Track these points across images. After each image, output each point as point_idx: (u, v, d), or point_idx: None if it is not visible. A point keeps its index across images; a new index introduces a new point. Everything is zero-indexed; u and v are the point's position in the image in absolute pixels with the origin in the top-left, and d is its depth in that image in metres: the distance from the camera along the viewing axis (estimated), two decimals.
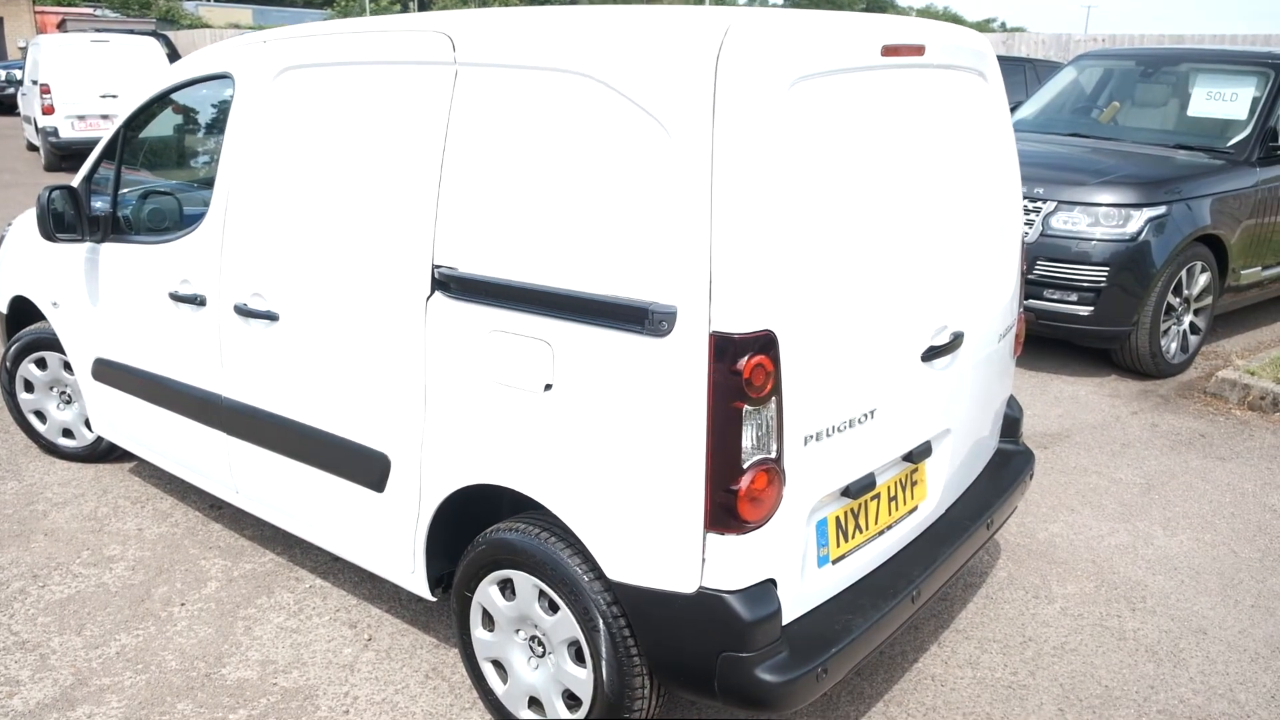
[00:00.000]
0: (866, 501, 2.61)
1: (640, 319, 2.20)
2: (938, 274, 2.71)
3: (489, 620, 2.76)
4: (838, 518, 2.51)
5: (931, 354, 2.65)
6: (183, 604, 3.43)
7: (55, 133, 13.96)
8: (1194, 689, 3.10)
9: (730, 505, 2.18)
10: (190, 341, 3.40)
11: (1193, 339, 6.14)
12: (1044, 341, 6.38)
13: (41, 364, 4.37)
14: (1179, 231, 5.74)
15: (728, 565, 2.24)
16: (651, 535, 2.29)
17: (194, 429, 3.52)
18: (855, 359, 2.40)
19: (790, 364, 2.20)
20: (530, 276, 2.41)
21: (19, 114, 17.86)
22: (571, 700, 2.61)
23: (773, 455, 2.21)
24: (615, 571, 2.37)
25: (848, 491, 2.48)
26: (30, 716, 2.86)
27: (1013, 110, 7.47)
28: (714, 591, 2.25)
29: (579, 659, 2.56)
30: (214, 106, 3.39)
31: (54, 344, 4.25)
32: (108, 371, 3.89)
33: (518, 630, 2.70)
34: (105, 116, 14.08)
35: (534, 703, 2.71)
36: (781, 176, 2.17)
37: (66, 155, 14.05)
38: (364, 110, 2.80)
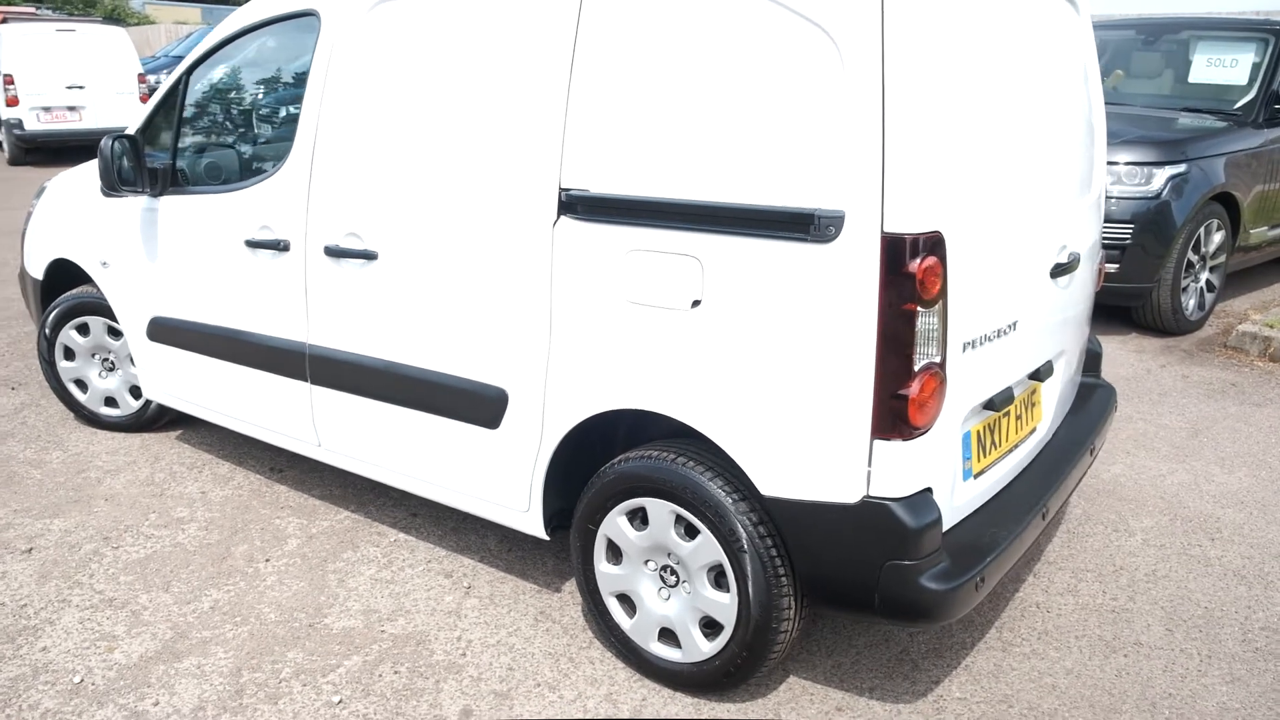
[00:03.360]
0: (1000, 418, 2.62)
1: (805, 225, 2.18)
2: (1059, 193, 2.73)
3: (614, 553, 2.72)
4: (978, 432, 2.52)
5: (1058, 271, 2.67)
6: (267, 560, 3.34)
7: (20, 125, 13.52)
8: None
9: (900, 410, 2.17)
10: (268, 290, 3.31)
11: (1208, 296, 6.27)
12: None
13: (83, 330, 4.22)
14: (1197, 190, 5.85)
15: (892, 473, 2.23)
16: (815, 446, 2.27)
17: (269, 382, 3.42)
18: (1004, 268, 2.41)
19: (957, 268, 2.20)
20: (677, 192, 2.38)
21: None
22: (709, 628, 2.59)
23: (939, 360, 2.21)
24: (771, 487, 2.35)
25: (990, 404, 2.49)
26: (136, 669, 2.76)
27: None
28: (879, 500, 2.24)
29: (719, 584, 2.53)
30: (292, 47, 3.29)
31: (98, 308, 4.12)
32: (165, 330, 3.77)
33: (647, 561, 2.66)
34: (72, 108, 13.68)
35: (665, 634, 2.68)
36: (944, 80, 2.17)
37: (31, 149, 13.63)
38: (478, 31, 2.74)
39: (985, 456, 2.56)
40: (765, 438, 2.33)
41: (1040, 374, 2.72)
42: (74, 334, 4.24)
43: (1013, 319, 2.47)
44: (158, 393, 3.98)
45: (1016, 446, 2.74)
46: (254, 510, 3.69)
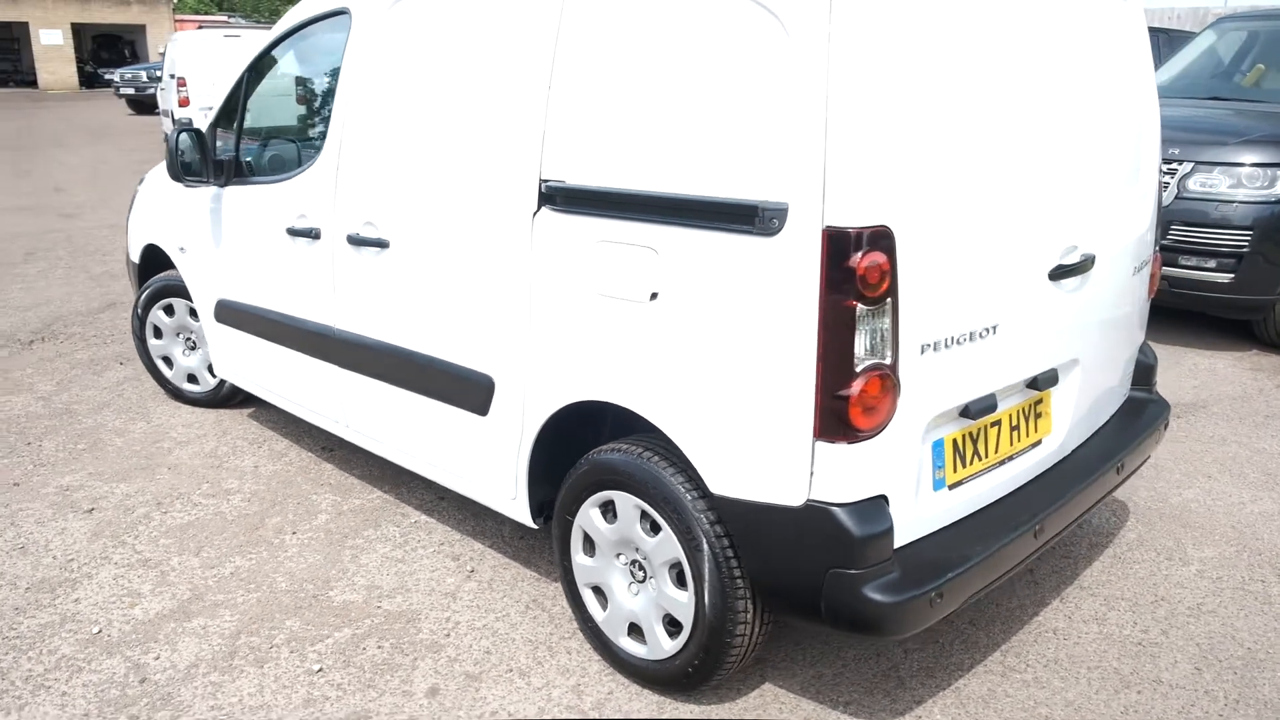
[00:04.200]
0: (986, 427, 2.47)
1: (750, 217, 2.13)
2: (1070, 191, 2.55)
3: (589, 545, 2.72)
4: (955, 440, 2.38)
5: (1060, 273, 2.49)
6: (294, 533, 3.51)
7: (190, 124, 14.64)
8: None
9: (841, 412, 2.08)
10: (305, 276, 3.48)
11: None
12: (1178, 313, 6.02)
13: (169, 310, 4.55)
14: None
15: (837, 477, 2.14)
16: (759, 446, 2.21)
17: (308, 364, 3.60)
18: (977, 268, 2.27)
19: (908, 265, 2.09)
20: (637, 183, 2.36)
21: (158, 112, 18.85)
22: (672, 626, 2.55)
23: (887, 361, 2.10)
24: (720, 486, 2.30)
25: (967, 412, 2.35)
26: (149, 625, 2.96)
27: None
28: (822, 504, 2.16)
29: (680, 582, 2.49)
30: (331, 44, 3.45)
31: (181, 290, 4.43)
32: (228, 313, 4.02)
33: (618, 554, 2.65)
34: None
35: (634, 630, 2.66)
36: (901, 68, 2.07)
37: None
38: (476, 27, 2.80)
39: (965, 467, 2.41)
40: (714, 435, 2.29)
41: (1039, 383, 2.54)
42: (161, 314, 4.57)
43: (991, 322, 2.32)
44: (225, 371, 4.24)
45: (1013, 458, 2.57)
46: (296, 485, 3.88)
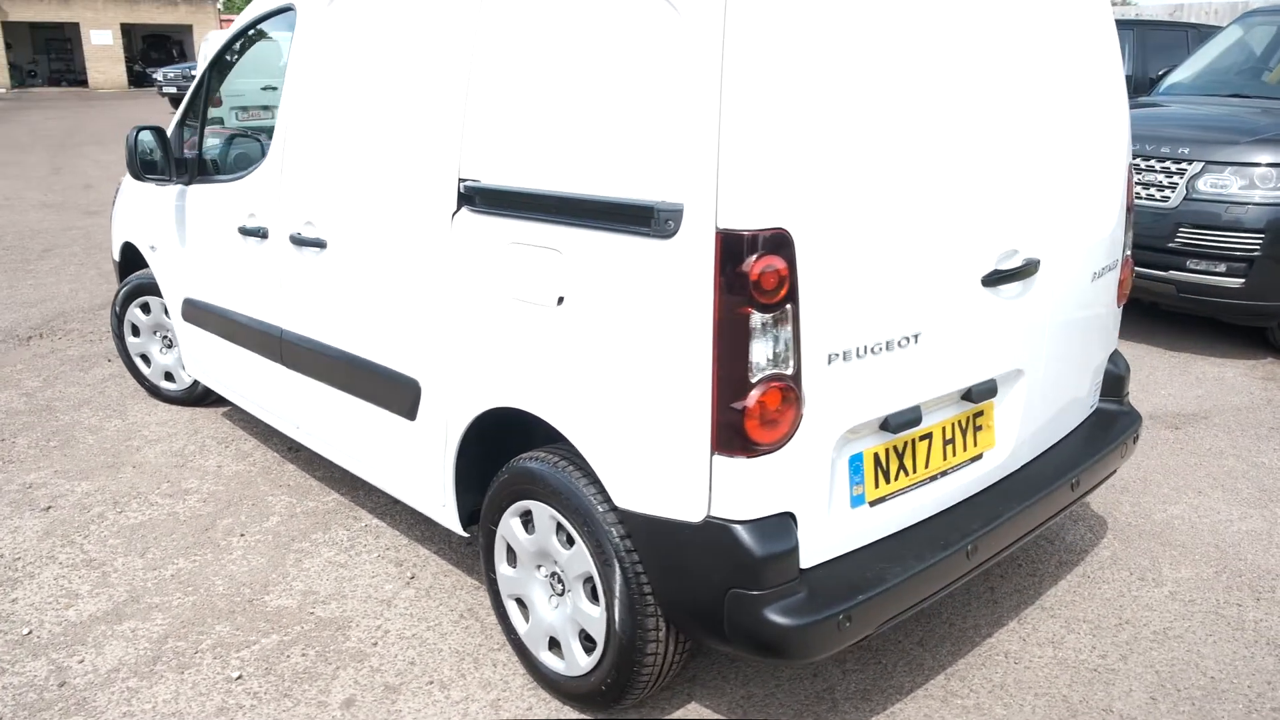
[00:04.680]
0: (914, 440, 2.34)
1: (646, 219, 2.03)
2: (1011, 193, 2.41)
3: (512, 555, 2.64)
4: (877, 455, 2.26)
5: (996, 279, 2.36)
6: (242, 535, 3.48)
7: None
8: None
9: (738, 425, 1.97)
10: (257, 276, 3.44)
11: None
12: (1187, 319, 5.79)
13: (145, 308, 4.55)
14: None
15: (737, 493, 2.03)
16: (659, 459, 2.11)
17: (262, 365, 3.56)
18: (894, 274, 2.14)
19: (810, 270, 1.98)
20: (545, 182, 2.28)
21: None
22: (588, 641, 2.46)
23: (789, 371, 1.99)
24: (624, 499, 2.21)
25: (887, 425, 2.22)
26: (81, 627, 2.93)
27: (1167, 74, 6.85)
28: (722, 521, 2.05)
29: (594, 596, 2.40)
30: (282, 41, 3.41)
31: (156, 289, 4.42)
32: (193, 311, 4.00)
33: (539, 566, 2.57)
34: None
35: (555, 644, 2.58)
36: (808, 58, 1.95)
37: None
38: (402, 24, 2.73)
39: (888, 483, 2.29)
40: (618, 447, 2.19)
41: (974, 394, 2.41)
42: (139, 312, 4.58)
43: (912, 331, 2.19)
44: (193, 369, 4.23)
45: (947, 474, 2.44)
46: (255, 487, 3.85)
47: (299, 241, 3.13)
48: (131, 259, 4.65)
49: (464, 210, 2.51)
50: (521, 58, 2.34)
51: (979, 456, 2.52)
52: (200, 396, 4.60)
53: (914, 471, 2.35)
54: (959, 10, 2.27)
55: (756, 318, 1.93)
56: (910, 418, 2.25)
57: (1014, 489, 2.60)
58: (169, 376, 4.65)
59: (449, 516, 2.83)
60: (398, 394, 2.82)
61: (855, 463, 2.22)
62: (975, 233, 2.31)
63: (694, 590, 2.14)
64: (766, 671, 2.72)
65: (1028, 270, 2.44)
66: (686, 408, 2.03)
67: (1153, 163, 5.37)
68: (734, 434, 1.98)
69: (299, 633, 2.91)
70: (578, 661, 2.48)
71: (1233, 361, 5.38)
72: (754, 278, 1.91)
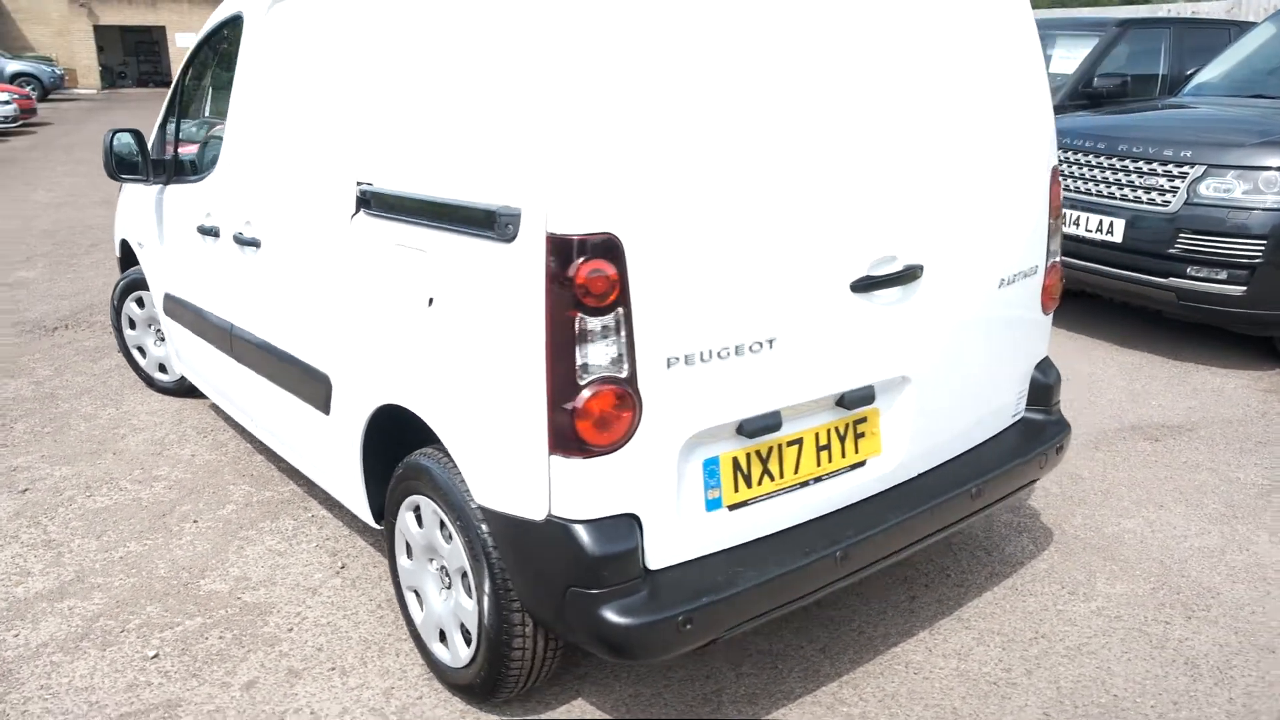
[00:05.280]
0: (781, 446, 2.34)
1: (491, 223, 2.08)
2: (889, 199, 2.38)
3: (409, 548, 2.71)
4: (736, 459, 2.27)
5: (869, 285, 2.34)
6: (195, 521, 3.62)
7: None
8: (1230, 711, 2.58)
9: (569, 426, 2.01)
10: (212, 273, 3.59)
11: None
12: (1196, 327, 5.60)
13: (140, 303, 4.76)
14: None
15: (575, 493, 2.07)
16: (508, 458, 2.16)
17: (220, 358, 3.71)
18: (744, 279, 2.14)
19: (644, 275, 2.01)
20: (418, 187, 2.34)
21: None
22: (467, 635, 2.52)
23: (622, 374, 2.02)
24: (481, 496, 2.27)
25: (744, 430, 2.23)
26: (24, 603, 3.10)
27: (1195, 73, 6.63)
28: (561, 520, 2.09)
29: (469, 591, 2.46)
30: (235, 49, 3.55)
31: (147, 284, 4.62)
32: (171, 306, 4.18)
33: (431, 559, 2.63)
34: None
35: (444, 635, 2.64)
36: (638, 69, 1.98)
37: None
38: (318, 30, 2.83)
39: (750, 487, 2.30)
40: (477, 446, 2.25)
41: (847, 401, 2.40)
42: (134, 306, 4.79)
43: (765, 336, 2.19)
44: (175, 362, 4.41)
45: (823, 480, 2.43)
46: (220, 475, 4.00)
47: (240, 241, 3.26)
48: (129, 255, 4.86)
49: (361, 213, 2.59)
50: (402, 67, 2.41)
51: (862, 463, 2.51)
52: (190, 387, 4.79)
53: (781, 477, 2.35)
54: (832, 14, 2.26)
55: (584, 321, 1.97)
56: (768, 423, 2.25)
57: (904, 497, 2.58)
58: (162, 368, 4.86)
59: (361, 508, 2.91)
60: (314, 388, 2.92)
61: (710, 466, 2.23)
62: (843, 239, 2.30)
63: (541, 587, 2.18)
64: (658, 671, 2.75)
65: (908, 276, 2.42)
66: (526, 408, 2.07)
67: (1155, 166, 5.21)
68: (568, 435, 2.02)
69: (222, 616, 3.03)
70: (459, 653, 2.54)
71: (1237, 372, 5.18)
72: (580, 281, 1.94)
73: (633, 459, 2.08)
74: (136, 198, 4.46)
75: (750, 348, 2.18)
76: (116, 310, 4.86)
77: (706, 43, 2.07)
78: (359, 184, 2.58)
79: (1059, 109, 7.22)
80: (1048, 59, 8.04)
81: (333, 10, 2.75)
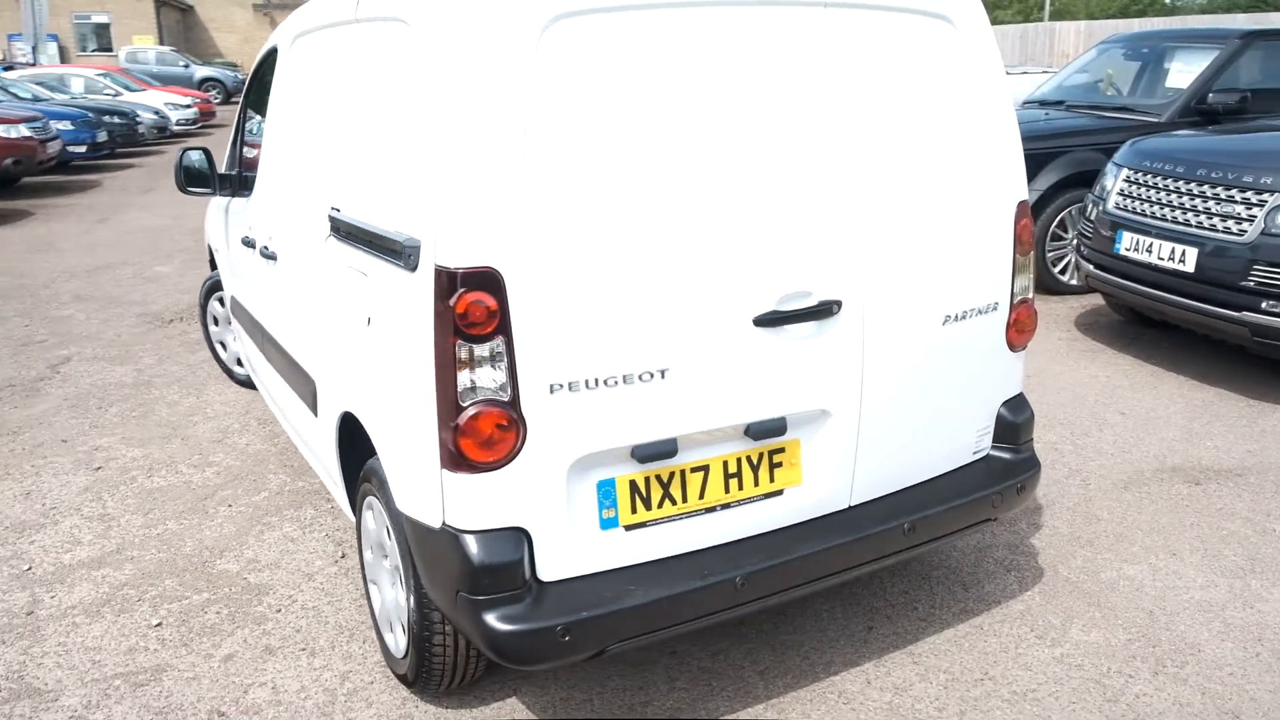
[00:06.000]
0: (684, 471, 2.42)
1: (399, 253, 2.27)
2: (807, 235, 2.43)
3: (371, 543, 2.94)
4: (634, 482, 2.37)
5: (775, 319, 2.39)
6: (230, 506, 3.98)
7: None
8: None
9: (454, 443, 2.17)
10: (254, 280, 3.94)
11: None
12: (1274, 365, 5.23)
13: (222, 302, 5.22)
14: None
15: (464, 505, 2.23)
16: (415, 469, 2.34)
17: (260, 358, 4.07)
18: (632, 312, 2.24)
19: (527, 306, 2.14)
20: (362, 216, 2.56)
21: None
22: (404, 628, 2.72)
23: (505, 398, 2.17)
24: (400, 503, 2.45)
25: (638, 455, 2.33)
26: (68, 569, 3.51)
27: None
28: (453, 529, 2.26)
29: (405, 587, 2.66)
30: (270, 78, 3.89)
31: None
32: (234, 306, 4.59)
33: (385, 555, 2.85)
34: None
35: (393, 627, 2.85)
36: (530, 113, 2.11)
37: None
38: (314, 67, 3.11)
39: (649, 510, 2.39)
40: (397, 455, 2.44)
41: (753, 431, 2.45)
42: (216, 304, 5.26)
43: (657, 366, 2.28)
44: (242, 358, 4.83)
45: (730, 507, 2.49)
46: (265, 464, 4.37)
47: (265, 255, 3.58)
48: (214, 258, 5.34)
49: (331, 236, 2.83)
50: (357, 108, 2.64)
51: (779, 493, 2.56)
52: None
53: (685, 501, 2.43)
54: (755, 50, 2.33)
55: (465, 347, 2.12)
56: (663, 450, 2.34)
57: (828, 528, 2.61)
58: (239, 362, 5.31)
59: (343, 502, 3.17)
60: (308, 391, 3.20)
61: (605, 487, 2.34)
62: (748, 274, 2.36)
63: (438, 589, 2.36)
64: (593, 678, 2.87)
65: (823, 311, 2.45)
66: (424, 425, 2.25)
67: (1233, 192, 4.91)
68: (454, 452, 2.18)
69: (226, 594, 3.34)
70: (399, 645, 2.74)
71: None
72: (460, 310, 2.10)
73: (519, 476, 2.22)
74: (216, 208, 4.91)
75: (640, 377, 2.28)
76: (202, 307, 5.35)
77: (605, 87, 2.18)
78: (331, 209, 2.83)
79: (1168, 126, 6.86)
80: (1164, 73, 7.62)
81: (320, 52, 3.01)
